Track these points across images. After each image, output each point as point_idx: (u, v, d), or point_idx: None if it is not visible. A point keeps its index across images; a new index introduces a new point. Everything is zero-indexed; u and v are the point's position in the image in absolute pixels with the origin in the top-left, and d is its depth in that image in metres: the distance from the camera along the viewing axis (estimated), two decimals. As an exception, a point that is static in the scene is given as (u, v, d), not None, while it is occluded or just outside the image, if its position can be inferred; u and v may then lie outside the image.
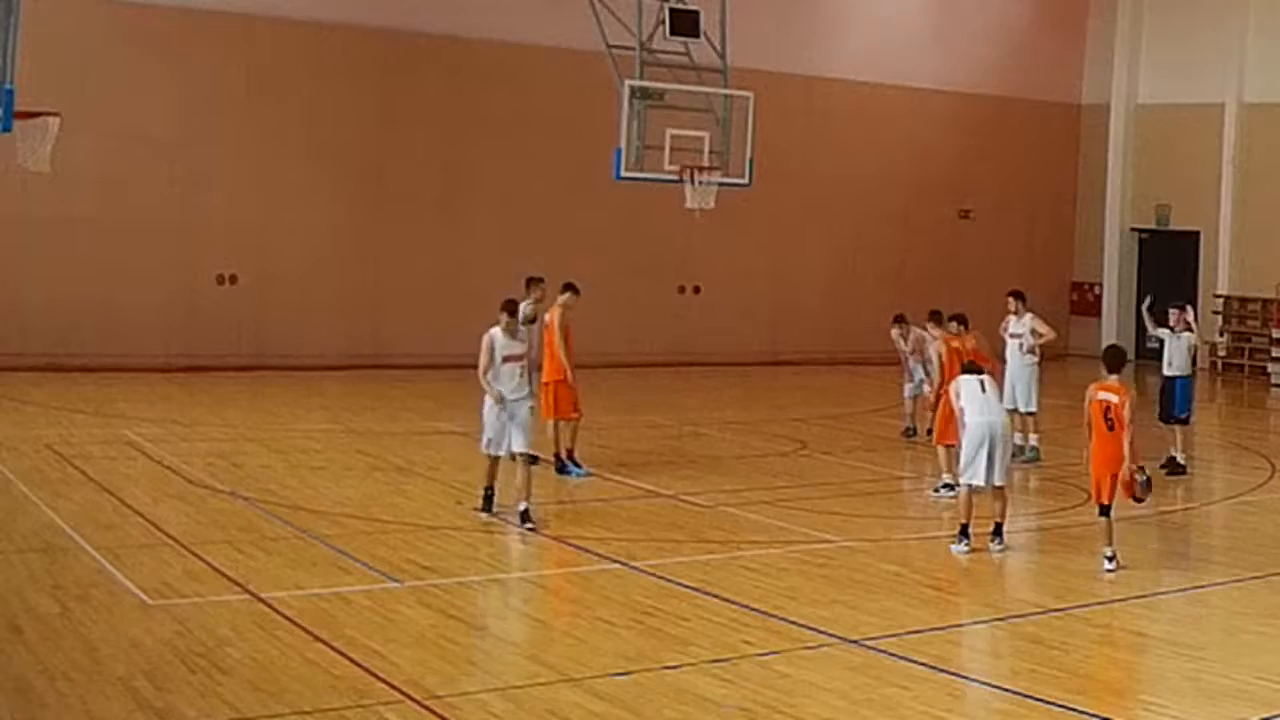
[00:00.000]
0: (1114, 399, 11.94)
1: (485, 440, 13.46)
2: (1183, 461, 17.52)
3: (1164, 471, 16.91)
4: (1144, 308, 18.61)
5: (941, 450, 15.32)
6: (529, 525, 13.04)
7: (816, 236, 30.07)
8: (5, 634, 9.36)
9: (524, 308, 16.55)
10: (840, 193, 30.23)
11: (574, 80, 25.48)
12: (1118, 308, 33.04)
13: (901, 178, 30.89)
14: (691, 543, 12.89)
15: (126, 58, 23.54)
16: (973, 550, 12.64)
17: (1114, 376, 12.18)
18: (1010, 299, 18.22)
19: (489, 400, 13.38)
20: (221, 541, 12.16)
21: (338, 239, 25.70)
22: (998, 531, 12.79)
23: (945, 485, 15.28)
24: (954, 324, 16.00)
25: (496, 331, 13.59)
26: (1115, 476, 12.00)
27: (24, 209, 22.50)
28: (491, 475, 13.56)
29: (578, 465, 16.06)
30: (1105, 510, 12.12)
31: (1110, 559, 12.07)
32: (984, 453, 12.71)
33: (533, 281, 16.86)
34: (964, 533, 12.73)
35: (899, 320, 19.56)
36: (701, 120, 21.76)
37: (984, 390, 12.99)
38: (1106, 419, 11.98)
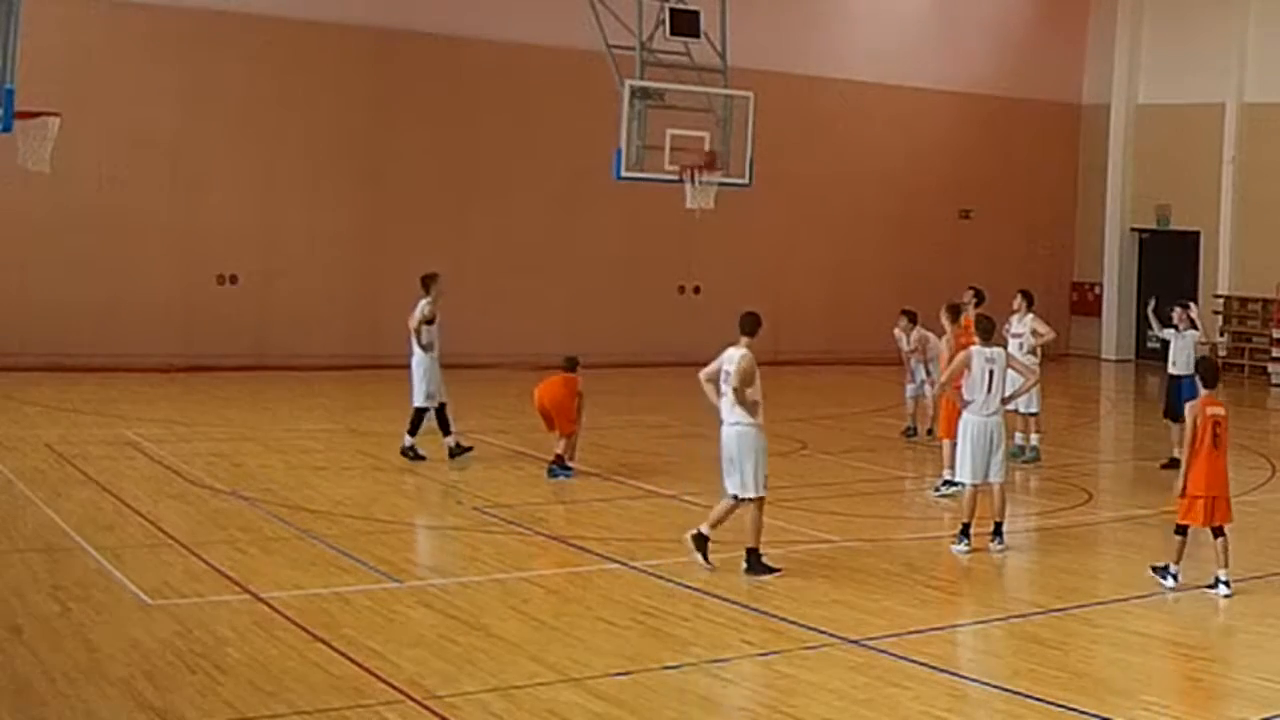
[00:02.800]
0: (1222, 413, 11.45)
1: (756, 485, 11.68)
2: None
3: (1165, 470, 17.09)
4: (1149, 309, 18.60)
5: (947, 445, 15.34)
6: (765, 571, 11.62)
7: (817, 236, 30.06)
8: (5, 634, 9.36)
9: (425, 306, 16.64)
10: (840, 192, 30.22)
11: (574, 80, 25.46)
12: (1118, 308, 33.07)
13: (902, 178, 30.88)
14: (692, 543, 12.88)
15: (126, 58, 23.54)
16: (972, 550, 12.63)
17: (1212, 390, 11.59)
18: (1018, 296, 18.23)
19: (759, 434, 11.68)
20: (222, 541, 12.17)
21: (338, 239, 25.70)
22: (998, 531, 12.79)
23: (946, 483, 15.29)
24: (969, 293, 16.84)
25: (749, 353, 11.74)
26: (1219, 498, 11.29)
27: (24, 209, 22.51)
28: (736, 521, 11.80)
29: (565, 468, 15.98)
30: (1219, 531, 11.31)
31: (1226, 583, 11.26)
32: (983, 452, 12.71)
33: (430, 279, 16.82)
34: (965, 532, 12.73)
35: (907, 315, 19.48)
36: (701, 120, 21.76)
37: (990, 386, 12.93)
38: (1215, 435, 11.28)
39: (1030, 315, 17.98)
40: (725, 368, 11.69)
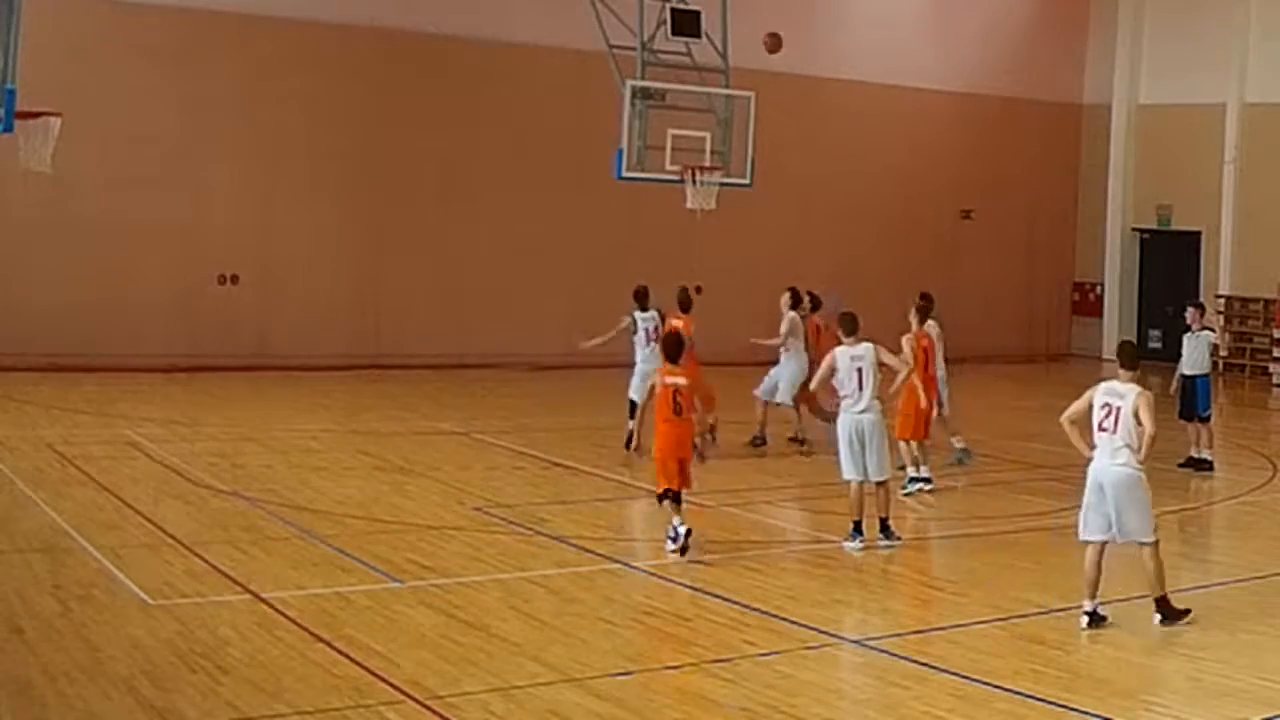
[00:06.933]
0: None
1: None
2: (1210, 458, 17.62)
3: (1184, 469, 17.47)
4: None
5: (913, 445, 15.40)
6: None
7: (817, 236, 30.04)
8: (6, 634, 9.37)
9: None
10: (841, 193, 30.22)
11: (575, 80, 25.49)
12: (1119, 308, 33.07)
13: (902, 178, 30.89)
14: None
15: (127, 58, 23.55)
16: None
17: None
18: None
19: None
20: (223, 541, 12.17)
21: (339, 239, 25.71)
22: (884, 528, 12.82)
23: (913, 480, 15.32)
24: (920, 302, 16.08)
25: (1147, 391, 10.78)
26: None
27: (25, 209, 22.52)
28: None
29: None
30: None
31: None
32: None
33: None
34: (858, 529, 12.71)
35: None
36: (703, 120, 21.77)
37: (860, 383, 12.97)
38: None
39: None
40: (1113, 403, 10.19)
